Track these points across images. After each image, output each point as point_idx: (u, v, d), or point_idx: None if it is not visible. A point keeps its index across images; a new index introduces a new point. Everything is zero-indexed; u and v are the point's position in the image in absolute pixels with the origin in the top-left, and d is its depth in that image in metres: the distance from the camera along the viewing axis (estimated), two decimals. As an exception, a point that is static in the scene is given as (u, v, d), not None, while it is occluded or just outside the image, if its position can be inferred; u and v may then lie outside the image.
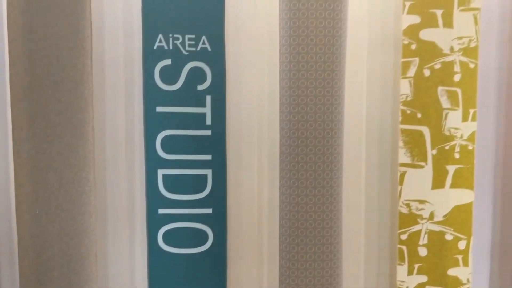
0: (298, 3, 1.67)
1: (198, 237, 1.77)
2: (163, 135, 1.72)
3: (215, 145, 1.72)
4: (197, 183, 1.74)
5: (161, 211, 1.75)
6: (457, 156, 1.83)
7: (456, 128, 1.82)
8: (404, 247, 1.85)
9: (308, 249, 1.73)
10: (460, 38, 1.79)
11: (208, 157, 1.73)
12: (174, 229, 1.77)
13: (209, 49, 1.70)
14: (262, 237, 1.97)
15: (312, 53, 1.68)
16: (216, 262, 1.77)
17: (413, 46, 1.79)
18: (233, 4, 1.82)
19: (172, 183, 1.75)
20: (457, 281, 1.87)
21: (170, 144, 1.74)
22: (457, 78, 1.80)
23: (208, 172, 1.74)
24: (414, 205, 1.84)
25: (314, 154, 1.71)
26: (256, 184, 1.95)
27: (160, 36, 1.69)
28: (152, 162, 1.74)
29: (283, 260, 1.77)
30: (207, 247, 1.76)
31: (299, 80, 1.69)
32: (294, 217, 1.74)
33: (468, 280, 1.87)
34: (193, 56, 1.69)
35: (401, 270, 1.86)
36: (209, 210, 1.75)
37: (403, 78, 1.82)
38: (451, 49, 1.79)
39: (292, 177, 1.73)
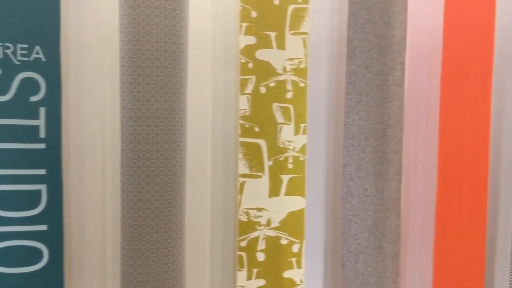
0: (138, 18, 1.69)
1: (32, 255, 1.69)
2: (-7, 149, 1.62)
3: (50, 159, 1.67)
4: (31, 199, 1.67)
5: (-9, 229, 1.64)
6: (290, 166, 1.99)
7: (289, 141, 1.98)
8: (243, 254, 1.96)
9: (150, 261, 1.75)
10: (291, 59, 1.96)
11: (42, 171, 1.66)
12: (6, 247, 1.67)
13: (44, 59, 1.64)
14: (106, 251, 1.94)
15: (153, 67, 1.72)
16: (52, 280, 1.71)
17: (250, 65, 1.92)
18: (72, 12, 1.79)
19: (4, 199, 1.66)
20: (291, 283, 2.02)
21: (0, 158, 1.64)
22: (289, 95, 1.97)
23: (43, 187, 1.67)
24: (252, 213, 1.96)
25: (156, 167, 1.74)
26: (100, 196, 1.92)
27: (-11, 44, 1.60)
28: (-19, 177, 1.62)
29: (125, 274, 1.76)
30: (42, 265, 1.69)
31: (140, 93, 1.72)
32: (135, 231, 1.75)
33: (301, 281, 2.04)
34: (25, 66, 1.63)
35: (241, 276, 1.96)
36: (43, 227, 1.68)
37: (241, 94, 1.93)
38: (284, 69, 1.95)
39: (134, 190, 1.74)
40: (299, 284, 2.03)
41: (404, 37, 2.11)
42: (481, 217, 2.21)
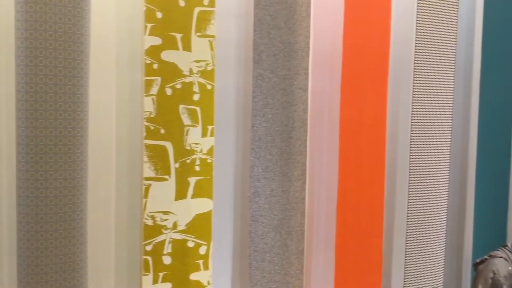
0: (35, 14, 1.62)
1: None
2: None
3: None
4: None
5: None
6: (197, 168, 1.99)
7: (196, 143, 1.98)
8: (149, 258, 1.93)
9: (49, 261, 1.67)
10: (198, 61, 1.96)
11: None
12: None
13: None
14: (2, 255, 1.83)
15: (51, 66, 1.64)
16: None
17: (155, 66, 1.90)
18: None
19: None
20: (198, 284, 2.02)
21: None
22: (196, 97, 1.97)
23: None
24: (158, 216, 1.94)
25: (55, 171, 1.67)
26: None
27: None
28: None
29: (21, 273, 1.67)
30: None
31: (37, 93, 1.64)
32: (33, 238, 1.66)
33: (208, 282, 2.05)
34: None
35: (147, 280, 1.93)
36: None
37: (146, 95, 1.90)
38: (190, 70, 1.95)
39: (30, 195, 1.66)
40: (206, 286, 2.04)
41: (308, 43, 2.19)
42: (378, 214, 2.35)
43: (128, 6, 1.95)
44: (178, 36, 1.91)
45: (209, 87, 1.99)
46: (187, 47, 1.93)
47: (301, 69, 2.17)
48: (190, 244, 2.00)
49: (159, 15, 1.88)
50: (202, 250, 2.03)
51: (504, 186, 2.80)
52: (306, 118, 2.22)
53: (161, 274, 1.95)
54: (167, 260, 1.95)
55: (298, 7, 2.14)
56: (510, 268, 2.27)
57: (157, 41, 1.89)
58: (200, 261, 2.02)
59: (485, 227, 2.69)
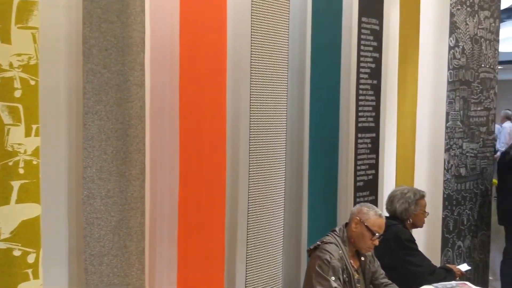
0: None
1: None
2: None
3: None
4: None
5: None
6: (21, 171, 1.84)
7: (19, 144, 1.83)
8: (-35, 272, 1.74)
9: None
10: (19, 55, 1.81)
11: None
12: None
13: None
14: None
15: None
16: None
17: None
18: None
19: None
20: (28, 295, 1.88)
21: None
22: (18, 94, 1.81)
23: None
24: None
25: None
26: None
27: None
28: None
29: None
30: None
31: None
32: None
33: (39, 292, 1.91)
34: None
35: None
36: None
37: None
38: (10, 65, 1.79)
39: None
40: (37, 296, 1.90)
41: (143, 39, 2.15)
42: (220, 209, 2.40)
43: None
44: (-5, 27, 1.74)
45: (32, 82, 1.85)
46: (6, 39, 1.77)
47: (137, 64, 2.12)
48: (17, 253, 1.84)
49: (-29, 3, 1.70)
50: (31, 258, 1.88)
51: (334, 178, 3.06)
52: (144, 115, 2.18)
53: (-21, 289, 1.77)
54: (-15, 272, 1.78)
55: (131, 1, 2.09)
56: (340, 252, 2.48)
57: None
58: (29, 270, 1.88)
59: (318, 215, 2.91)
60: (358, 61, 3.21)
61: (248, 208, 2.56)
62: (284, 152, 2.72)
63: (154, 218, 2.33)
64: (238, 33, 2.53)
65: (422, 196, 3.07)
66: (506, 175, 4.20)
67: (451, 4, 3.82)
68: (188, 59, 2.24)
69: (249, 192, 2.55)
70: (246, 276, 2.56)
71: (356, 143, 3.23)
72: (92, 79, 2.02)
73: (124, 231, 2.13)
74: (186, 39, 2.23)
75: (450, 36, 3.82)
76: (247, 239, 2.56)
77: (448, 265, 3.25)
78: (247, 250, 2.56)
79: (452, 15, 3.84)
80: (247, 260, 2.56)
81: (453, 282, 2.89)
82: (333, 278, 2.37)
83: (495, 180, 4.55)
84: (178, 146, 2.29)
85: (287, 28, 2.66)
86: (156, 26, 2.22)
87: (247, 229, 2.55)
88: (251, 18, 2.50)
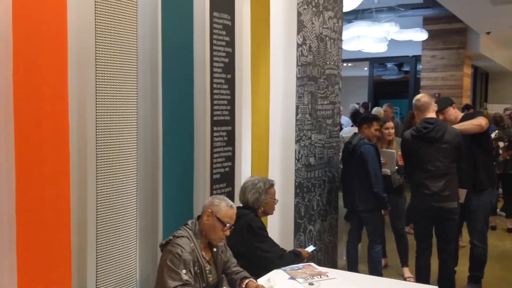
0: None
1: None
2: None
3: None
4: None
5: None
6: None
7: None
8: None
9: None
10: None
11: None
12: None
13: None
14: None
15: None
16: None
17: None
18: None
19: None
20: None
21: None
22: None
23: None
24: None
25: None
26: None
27: None
28: None
29: None
30: None
31: None
32: None
33: None
34: None
35: None
36: None
37: None
38: None
39: None
40: None
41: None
42: (65, 210, 2.30)
43: None
44: None
45: None
46: None
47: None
48: None
49: None
50: None
51: (190, 172, 3.09)
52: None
53: None
54: None
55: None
56: (192, 244, 2.53)
57: None
58: None
59: (175, 210, 2.93)
60: (211, 56, 3.26)
61: (97, 208, 2.48)
62: (136, 148, 2.68)
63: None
64: (82, 30, 2.43)
65: (271, 185, 3.24)
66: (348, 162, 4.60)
67: (298, 4, 4.06)
68: (22, 55, 2.10)
69: (97, 192, 2.48)
70: (97, 278, 2.49)
71: (212, 137, 3.29)
72: None
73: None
74: (20, 34, 2.08)
75: (298, 34, 4.06)
76: (97, 240, 2.49)
77: (297, 249, 3.48)
78: (97, 251, 2.49)
79: (299, 14, 4.07)
80: (97, 262, 2.49)
81: (300, 265, 3.12)
82: (184, 271, 2.41)
83: None
84: (13, 142, 2.13)
85: (135, 23, 2.62)
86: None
87: (96, 229, 2.48)
88: (95, 12, 2.41)
